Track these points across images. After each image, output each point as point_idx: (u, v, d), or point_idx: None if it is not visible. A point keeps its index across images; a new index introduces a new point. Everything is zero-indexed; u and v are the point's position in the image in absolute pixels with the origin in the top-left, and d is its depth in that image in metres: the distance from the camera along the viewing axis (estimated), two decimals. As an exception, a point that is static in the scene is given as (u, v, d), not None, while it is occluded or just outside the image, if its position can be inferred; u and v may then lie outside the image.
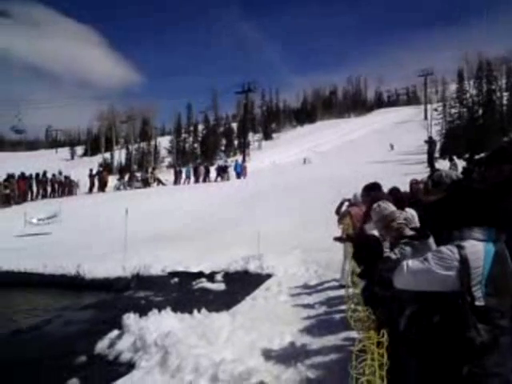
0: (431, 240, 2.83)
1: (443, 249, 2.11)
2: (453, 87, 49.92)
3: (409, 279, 2.17)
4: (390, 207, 3.21)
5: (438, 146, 29.82)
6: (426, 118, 54.43)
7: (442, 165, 20.90)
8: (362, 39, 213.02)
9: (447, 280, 2.05)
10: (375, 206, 3.28)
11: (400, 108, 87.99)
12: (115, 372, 4.49)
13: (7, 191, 23.44)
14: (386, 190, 5.15)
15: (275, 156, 48.43)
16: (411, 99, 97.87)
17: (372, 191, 4.77)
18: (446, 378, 2.09)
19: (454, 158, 20.64)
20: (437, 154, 27.24)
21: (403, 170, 19.32)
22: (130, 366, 4.59)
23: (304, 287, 7.87)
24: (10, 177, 24.49)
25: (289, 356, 4.62)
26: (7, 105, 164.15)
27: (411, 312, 2.27)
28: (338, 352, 4.72)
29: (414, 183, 7.18)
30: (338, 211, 7.81)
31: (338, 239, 4.27)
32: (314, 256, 9.82)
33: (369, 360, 2.32)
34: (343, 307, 6.28)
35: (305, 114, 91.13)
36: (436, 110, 47.06)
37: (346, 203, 7.64)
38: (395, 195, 4.49)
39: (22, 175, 25.42)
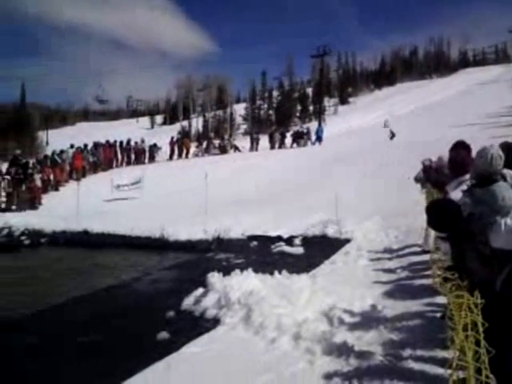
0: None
1: None
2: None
3: (507, 238, 2.07)
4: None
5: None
6: (516, 77, 50.48)
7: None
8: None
9: None
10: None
11: (487, 67, 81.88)
12: (202, 327, 4.71)
13: (94, 159, 24.82)
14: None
15: (352, 121, 47.28)
16: (500, 58, 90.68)
17: (462, 150, 4.42)
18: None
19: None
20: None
21: (491, 133, 18.15)
22: (215, 322, 4.79)
23: (384, 252, 7.75)
24: (96, 145, 25.87)
25: (370, 318, 4.60)
26: (91, 76, 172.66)
27: (509, 271, 2.17)
28: (421, 317, 4.64)
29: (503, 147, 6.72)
30: (417, 177, 7.55)
31: None
32: (393, 221, 9.61)
33: (461, 323, 2.25)
34: (427, 273, 6.15)
35: (383, 77, 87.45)
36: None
37: (421, 166, 7.34)
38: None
39: (108, 143, 26.73)
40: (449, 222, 2.63)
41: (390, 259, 7.27)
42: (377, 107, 58.66)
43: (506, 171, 3.61)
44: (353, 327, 4.39)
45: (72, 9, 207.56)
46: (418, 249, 7.51)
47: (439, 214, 2.69)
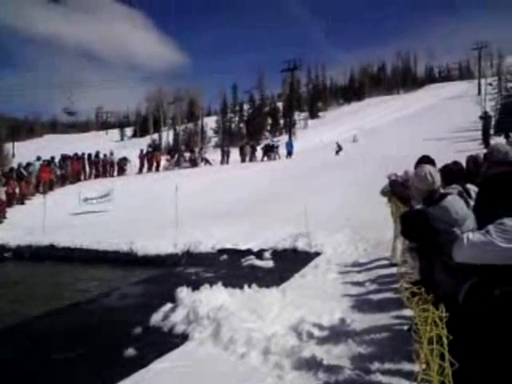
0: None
1: (506, 221, 2.04)
2: (510, 60, 47.44)
3: (470, 252, 2.12)
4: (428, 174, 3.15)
5: (493, 123, 28.51)
6: (479, 93, 52.13)
7: (498, 142, 20.02)
8: (411, 12, 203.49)
9: (510, 253, 1.98)
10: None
11: (452, 83, 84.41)
12: (170, 343, 4.65)
13: (62, 171, 24.36)
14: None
15: (322, 135, 47.84)
16: (464, 74, 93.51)
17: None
18: (504, 353, 2.04)
19: (511, 134, 19.71)
20: (492, 131, 26.07)
21: (457, 148, 18.67)
22: (183, 338, 4.73)
23: (353, 265, 7.84)
24: (64, 157, 25.40)
25: (339, 332, 4.63)
26: (60, 88, 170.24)
27: (471, 284, 2.22)
28: (389, 330, 4.69)
29: (470, 160, 6.90)
30: (383, 191, 7.67)
31: None
32: (362, 234, 9.74)
33: (426, 336, 2.29)
34: (394, 286, 6.22)
35: (352, 92, 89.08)
36: (491, 84, 45.09)
37: (387, 179, 7.47)
38: (444, 169, 4.29)
39: (76, 156, 26.28)
40: (418, 232, 2.73)
41: (358, 272, 7.35)
42: (346, 121, 59.49)
43: (469, 186, 3.71)
44: (322, 341, 4.41)
45: (42, 20, 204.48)
46: (386, 262, 7.61)
47: (410, 223, 2.81)
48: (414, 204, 3.96)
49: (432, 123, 37.26)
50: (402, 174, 7.00)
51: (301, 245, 9.53)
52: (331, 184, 16.10)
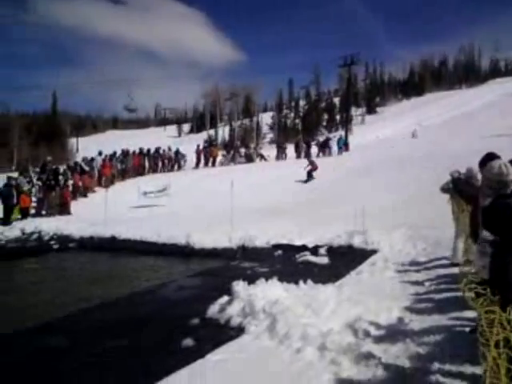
0: None
1: None
2: None
3: None
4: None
5: None
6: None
7: None
8: (474, 2, 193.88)
9: None
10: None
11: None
12: (226, 335, 4.71)
13: (123, 166, 25.23)
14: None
15: (379, 131, 46.90)
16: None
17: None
18: None
19: None
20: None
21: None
22: (239, 330, 4.79)
23: (411, 264, 7.63)
24: (124, 153, 26.30)
25: (397, 331, 4.53)
26: (120, 85, 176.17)
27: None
28: (449, 331, 4.53)
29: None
30: (444, 188, 7.41)
31: None
32: (421, 233, 9.48)
33: (493, 339, 2.20)
34: (454, 286, 6.01)
35: (411, 87, 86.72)
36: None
37: (449, 177, 7.21)
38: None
39: (141, 151, 27.20)
40: (504, 224, 2.64)
41: (417, 271, 7.15)
42: (405, 117, 58.11)
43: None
44: (379, 339, 4.33)
45: (104, 21, 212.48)
46: (446, 261, 7.36)
47: (496, 215, 2.72)
48: (482, 201, 3.80)
49: (494, 119, 35.62)
50: (465, 171, 6.73)
51: (357, 242, 9.40)
52: (388, 181, 15.78)
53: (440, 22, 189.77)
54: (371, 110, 76.28)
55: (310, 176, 20.16)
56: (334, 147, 30.60)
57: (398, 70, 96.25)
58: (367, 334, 4.45)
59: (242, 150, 33.81)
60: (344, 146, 30.82)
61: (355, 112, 68.79)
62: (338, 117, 70.41)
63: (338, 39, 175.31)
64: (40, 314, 6.32)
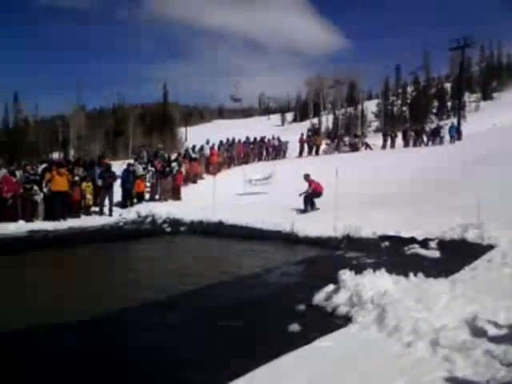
0: None
1: None
2: None
3: None
4: None
5: None
6: None
7: None
8: None
9: None
10: None
11: None
12: (333, 323, 4.69)
13: (229, 154, 25.99)
14: None
15: (496, 118, 43.49)
16: None
17: None
18: None
19: None
20: None
21: None
22: (347, 320, 4.73)
23: (534, 262, 7.02)
24: (230, 141, 27.06)
25: (518, 333, 4.21)
26: (226, 76, 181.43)
27: None
28: None
29: None
30: None
31: None
32: (547, 228, 8.67)
33: None
34: None
35: (535, 69, 79.13)
36: None
37: None
38: None
39: (247, 139, 27.90)
40: None
41: (541, 270, 6.57)
42: (526, 103, 53.32)
43: None
44: (498, 340, 4.04)
45: (210, 12, 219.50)
46: None
47: None
48: None
49: None
50: None
51: (471, 236, 8.84)
52: (505, 172, 14.57)
53: None
54: (487, 96, 70.87)
55: (308, 204, 13.88)
56: (446, 136, 28.92)
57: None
58: (484, 333, 4.18)
59: (346, 139, 33.23)
60: (456, 134, 28.98)
61: (469, 98, 64.31)
62: (449, 103, 66.38)
63: (448, 19, 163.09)
64: (168, 289, 6.84)
